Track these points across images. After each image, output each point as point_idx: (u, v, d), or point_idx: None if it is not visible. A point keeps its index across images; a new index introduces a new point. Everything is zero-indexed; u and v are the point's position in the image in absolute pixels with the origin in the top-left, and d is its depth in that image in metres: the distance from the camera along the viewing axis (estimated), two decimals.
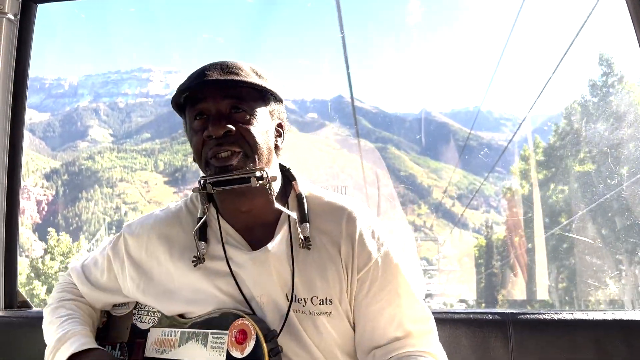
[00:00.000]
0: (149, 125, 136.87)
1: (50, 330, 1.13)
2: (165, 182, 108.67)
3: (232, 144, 1.00)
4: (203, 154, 1.03)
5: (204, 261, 1.05)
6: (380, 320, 1.04)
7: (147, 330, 1.12)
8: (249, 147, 1.01)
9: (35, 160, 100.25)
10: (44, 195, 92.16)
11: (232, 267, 1.05)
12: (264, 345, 0.95)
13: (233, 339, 0.98)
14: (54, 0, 1.72)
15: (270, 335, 0.98)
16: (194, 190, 1.07)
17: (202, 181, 1.02)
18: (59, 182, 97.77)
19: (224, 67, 1.02)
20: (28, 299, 1.76)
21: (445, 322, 1.36)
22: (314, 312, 1.04)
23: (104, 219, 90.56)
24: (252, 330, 0.97)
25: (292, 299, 1.03)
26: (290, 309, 1.03)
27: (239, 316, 0.99)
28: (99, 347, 1.08)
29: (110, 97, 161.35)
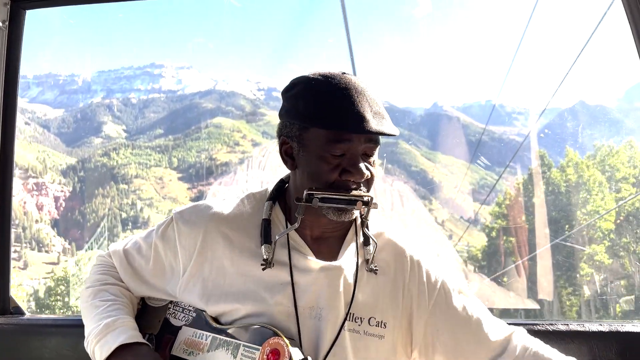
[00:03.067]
0: (161, 121, 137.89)
1: (94, 313, 1.10)
2: (179, 179, 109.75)
3: (364, 185, 1.05)
4: (329, 182, 1.02)
5: (272, 266, 1.04)
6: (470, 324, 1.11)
7: (179, 328, 1.10)
8: (371, 187, 1.08)
9: (52, 157, 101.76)
10: (61, 191, 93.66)
11: (294, 274, 1.05)
12: None
13: (265, 356, 0.94)
14: (43, 7, 1.78)
15: None
16: (296, 199, 1.05)
17: (307, 193, 1.01)
18: (76, 179, 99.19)
19: (375, 111, 1.00)
20: (20, 305, 1.77)
21: None
22: (368, 333, 1.06)
23: (120, 215, 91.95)
24: (286, 353, 0.93)
25: (348, 316, 1.05)
26: (347, 327, 1.05)
27: (276, 334, 0.96)
28: (147, 342, 1.07)
29: (123, 93, 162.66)
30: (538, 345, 1.12)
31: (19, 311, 1.69)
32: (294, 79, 1.08)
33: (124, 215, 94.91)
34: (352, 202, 1.01)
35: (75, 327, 1.49)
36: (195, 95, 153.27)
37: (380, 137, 1.05)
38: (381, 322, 1.08)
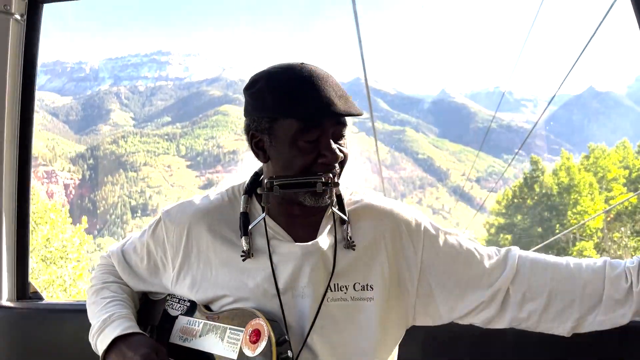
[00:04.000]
0: (169, 109, 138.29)
1: (95, 310, 1.19)
2: (188, 166, 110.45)
3: (339, 166, 1.11)
4: (304, 168, 1.08)
5: (252, 256, 1.12)
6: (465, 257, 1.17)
7: (176, 318, 1.19)
8: (344, 167, 1.14)
9: (61, 145, 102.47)
10: (71, 179, 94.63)
11: (273, 260, 1.12)
12: (274, 348, 0.99)
13: (247, 337, 1.03)
14: (60, 0, 1.82)
15: (282, 340, 1.03)
16: (259, 189, 1.14)
17: (268, 182, 1.08)
18: (85, 166, 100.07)
19: (340, 94, 1.07)
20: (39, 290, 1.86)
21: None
22: (355, 298, 1.12)
23: (129, 202, 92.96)
24: (266, 332, 1.01)
25: (331, 287, 1.11)
26: (331, 298, 1.11)
27: (255, 316, 1.04)
28: (142, 332, 1.15)
29: (130, 81, 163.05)
30: (534, 255, 1.18)
31: (37, 296, 1.78)
32: (253, 76, 1.13)
33: (133, 202, 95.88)
34: (312, 184, 1.06)
35: None
36: (202, 83, 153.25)
37: (350, 118, 1.11)
38: (367, 285, 1.13)
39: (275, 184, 1.08)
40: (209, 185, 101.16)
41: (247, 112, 1.15)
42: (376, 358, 1.16)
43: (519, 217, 31.40)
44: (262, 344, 1.01)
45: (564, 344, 1.19)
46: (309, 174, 1.08)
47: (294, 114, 1.06)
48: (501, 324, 1.17)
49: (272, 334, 1.01)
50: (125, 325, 1.13)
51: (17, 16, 1.67)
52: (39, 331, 1.63)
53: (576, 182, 26.89)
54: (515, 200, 31.96)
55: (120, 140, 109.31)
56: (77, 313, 1.62)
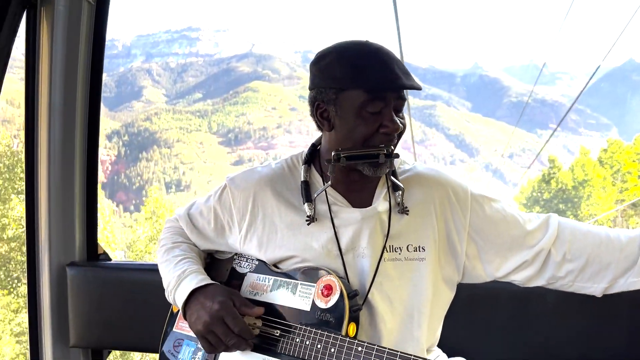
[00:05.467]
0: (200, 85, 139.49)
1: (168, 268, 1.27)
2: (219, 143, 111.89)
3: (397, 137, 1.20)
4: (367, 137, 1.16)
5: (315, 220, 1.21)
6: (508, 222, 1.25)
7: (244, 275, 1.28)
8: (400, 139, 1.23)
9: None
10: (107, 155, 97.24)
11: (335, 224, 1.21)
12: (347, 300, 1.08)
13: (319, 291, 1.12)
14: None
15: (353, 294, 1.12)
16: (327, 161, 1.19)
17: (335, 154, 1.15)
18: (120, 143, 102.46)
19: (403, 70, 1.14)
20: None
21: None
22: (408, 258, 1.22)
23: (164, 178, 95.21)
24: (337, 286, 1.10)
25: (387, 248, 1.21)
26: (387, 258, 1.21)
27: (327, 272, 1.13)
28: (216, 282, 1.23)
29: (162, 57, 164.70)
30: (573, 222, 1.27)
31: (106, 257, 1.92)
32: (322, 51, 1.21)
33: (167, 178, 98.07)
34: (375, 156, 1.14)
35: (155, 271, 1.60)
36: (232, 59, 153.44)
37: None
38: (419, 246, 1.23)
39: (342, 155, 1.16)
40: (240, 161, 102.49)
41: (314, 85, 1.22)
42: (429, 313, 1.27)
43: (537, 208, 32.54)
44: (335, 297, 1.10)
45: (597, 305, 1.27)
46: (370, 143, 1.17)
47: (361, 85, 1.14)
48: (539, 282, 1.27)
49: (343, 288, 1.10)
50: (199, 278, 1.23)
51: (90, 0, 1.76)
52: (107, 288, 1.80)
53: (591, 177, 28.80)
54: (534, 194, 34.00)
55: (154, 117, 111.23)
56: (140, 272, 1.81)
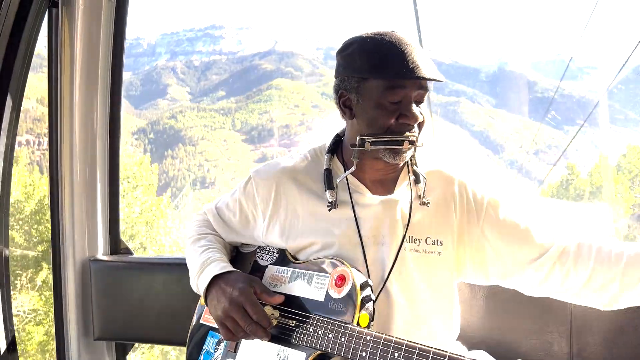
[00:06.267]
0: (223, 83, 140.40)
1: (194, 257, 1.33)
2: (243, 141, 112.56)
3: (417, 128, 1.20)
4: (387, 127, 1.17)
5: (337, 206, 1.23)
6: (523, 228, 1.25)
7: (265, 267, 1.32)
8: (421, 130, 1.23)
9: (123, 120, 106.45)
10: (134, 153, 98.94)
11: (356, 211, 1.23)
12: (358, 290, 1.11)
13: (333, 281, 1.15)
14: None
15: (365, 284, 1.14)
16: (351, 146, 1.21)
17: (360, 139, 1.17)
18: (146, 141, 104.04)
19: (426, 61, 1.14)
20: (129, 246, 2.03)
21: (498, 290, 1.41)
22: (426, 251, 1.23)
23: (189, 176, 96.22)
24: (350, 277, 1.13)
25: (406, 238, 1.22)
26: (407, 248, 1.22)
27: (341, 263, 1.16)
28: (238, 270, 1.27)
29: (186, 55, 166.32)
30: (581, 236, 1.25)
31: (128, 251, 2.00)
32: (347, 40, 1.23)
33: (192, 176, 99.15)
34: (400, 142, 1.16)
35: (177, 265, 1.81)
36: (255, 56, 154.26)
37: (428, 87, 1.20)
38: (437, 240, 1.24)
39: (367, 140, 1.18)
40: (263, 159, 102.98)
41: (338, 73, 1.26)
42: (445, 307, 1.29)
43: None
44: (347, 287, 1.13)
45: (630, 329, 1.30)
46: (390, 133, 1.19)
47: (382, 75, 1.16)
48: (541, 293, 1.28)
49: (355, 278, 1.13)
50: (221, 265, 1.29)
51: None
52: (129, 282, 1.87)
53: (608, 183, 30.32)
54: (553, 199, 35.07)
55: (179, 115, 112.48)
56: (161, 266, 1.88)
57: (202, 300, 1.40)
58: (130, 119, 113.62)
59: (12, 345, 1.64)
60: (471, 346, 1.45)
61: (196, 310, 1.43)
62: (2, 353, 1.59)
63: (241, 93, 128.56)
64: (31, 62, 1.65)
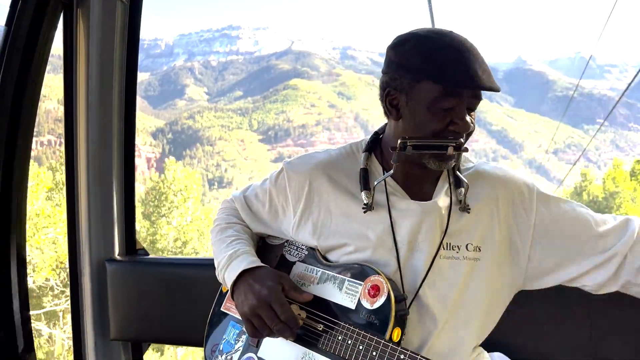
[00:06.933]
0: (240, 83, 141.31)
1: (221, 247, 1.29)
2: (260, 140, 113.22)
3: (466, 137, 1.15)
4: (435, 132, 1.13)
5: (372, 209, 1.18)
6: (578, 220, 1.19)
7: (293, 263, 1.27)
8: (468, 139, 1.18)
9: (142, 120, 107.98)
10: (152, 153, 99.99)
11: (392, 215, 1.18)
12: (393, 304, 1.05)
13: (366, 291, 1.09)
14: None
15: (401, 298, 1.08)
16: (392, 148, 1.16)
17: (401, 142, 1.12)
18: (165, 141, 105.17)
19: (484, 69, 1.10)
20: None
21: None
22: (467, 257, 1.17)
23: (206, 176, 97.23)
24: (385, 289, 1.07)
25: (443, 245, 1.17)
26: (443, 256, 1.17)
27: (375, 272, 1.10)
28: (266, 265, 1.22)
29: (203, 56, 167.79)
30: None
31: (144, 252, 1.96)
32: (402, 35, 1.16)
33: (210, 175, 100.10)
34: (444, 147, 1.10)
35: (193, 266, 1.80)
36: (271, 56, 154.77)
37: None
38: (477, 247, 1.18)
39: (408, 144, 1.12)
40: (280, 158, 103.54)
41: (388, 70, 1.18)
42: (481, 316, 1.22)
43: None
44: (382, 299, 1.07)
45: None
46: (437, 138, 1.13)
47: (438, 79, 1.10)
48: (612, 288, 1.20)
49: (391, 291, 1.06)
50: (250, 259, 1.23)
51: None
52: (145, 282, 1.84)
53: (622, 189, 30.70)
54: None
55: (197, 115, 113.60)
56: (177, 267, 1.85)
57: (224, 288, 1.38)
58: (148, 120, 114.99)
59: (28, 344, 1.65)
60: (490, 348, 1.39)
61: (217, 297, 1.39)
62: (20, 352, 1.61)
63: (258, 93, 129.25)
64: (47, 63, 1.65)
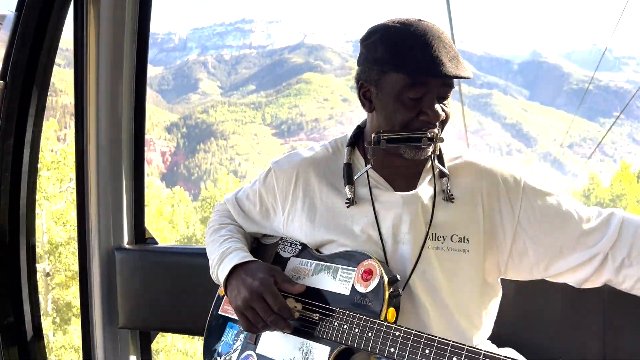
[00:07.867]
0: (253, 77, 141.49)
1: (214, 246, 1.30)
2: (273, 134, 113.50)
3: (439, 126, 1.13)
4: (405, 123, 1.12)
5: (355, 203, 1.19)
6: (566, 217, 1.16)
7: (288, 259, 1.28)
8: (444, 127, 1.17)
9: (156, 114, 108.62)
10: (167, 147, 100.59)
11: (376, 208, 1.18)
12: (386, 285, 1.07)
13: (359, 276, 1.12)
14: None
15: (393, 279, 1.09)
16: (367, 143, 1.17)
17: (375, 136, 1.12)
18: (179, 135, 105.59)
19: (452, 56, 1.08)
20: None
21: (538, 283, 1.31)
22: (451, 249, 1.17)
23: (220, 169, 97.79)
24: (377, 271, 1.09)
25: (429, 236, 1.17)
26: (430, 246, 1.16)
27: (368, 257, 1.12)
28: (258, 259, 1.24)
29: (216, 50, 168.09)
30: (638, 220, 1.16)
31: (153, 241, 1.97)
32: (371, 27, 1.17)
33: (224, 169, 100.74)
34: (417, 139, 1.10)
35: (201, 255, 1.71)
36: (284, 50, 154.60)
37: (455, 80, 1.13)
38: (463, 237, 1.18)
39: (382, 138, 1.13)
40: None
41: (360, 62, 1.20)
42: (473, 306, 1.23)
43: None
44: (374, 282, 1.09)
45: None
46: (408, 129, 1.13)
47: (402, 70, 1.09)
48: (594, 285, 1.19)
49: (384, 273, 1.08)
50: (241, 255, 1.25)
51: None
52: (153, 271, 1.85)
53: (628, 191, 31.24)
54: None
55: (210, 109, 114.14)
56: (186, 256, 1.87)
57: (221, 291, 1.39)
58: (163, 114, 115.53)
59: (37, 333, 1.67)
60: (499, 344, 1.38)
61: (214, 300, 1.40)
62: (28, 340, 1.63)
63: (271, 87, 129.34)
64: (57, 49, 1.67)
